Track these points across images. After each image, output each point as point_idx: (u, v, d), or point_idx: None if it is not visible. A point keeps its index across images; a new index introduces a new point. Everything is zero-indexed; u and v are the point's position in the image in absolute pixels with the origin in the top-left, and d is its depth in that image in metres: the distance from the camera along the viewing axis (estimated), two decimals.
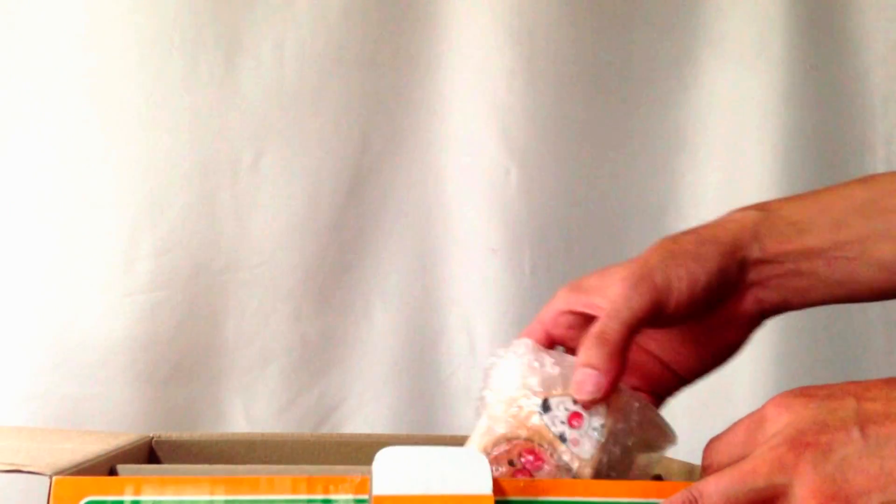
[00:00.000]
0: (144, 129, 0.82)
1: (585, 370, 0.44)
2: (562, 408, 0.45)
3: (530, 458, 0.45)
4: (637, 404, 0.46)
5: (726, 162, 0.93)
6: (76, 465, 0.46)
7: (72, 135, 0.81)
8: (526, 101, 0.89)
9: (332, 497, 0.43)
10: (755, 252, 0.48)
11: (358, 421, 0.86)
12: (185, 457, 0.64)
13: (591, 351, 0.45)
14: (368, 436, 0.67)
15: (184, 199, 0.83)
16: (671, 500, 0.40)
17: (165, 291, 0.82)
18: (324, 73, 0.85)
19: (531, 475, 0.44)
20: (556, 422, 0.45)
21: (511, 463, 0.45)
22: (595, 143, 0.92)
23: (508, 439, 0.46)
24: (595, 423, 0.45)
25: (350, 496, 0.43)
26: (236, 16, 0.84)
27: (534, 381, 0.46)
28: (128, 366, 0.81)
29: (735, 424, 0.42)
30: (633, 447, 0.46)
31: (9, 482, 0.46)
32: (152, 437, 0.63)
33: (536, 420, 0.45)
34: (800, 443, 0.38)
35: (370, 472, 0.43)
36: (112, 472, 0.50)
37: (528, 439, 0.45)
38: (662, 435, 0.47)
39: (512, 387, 0.46)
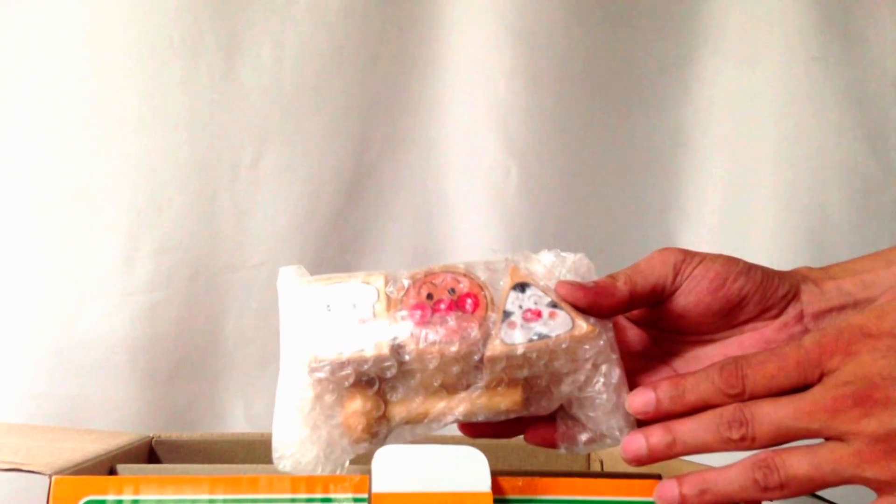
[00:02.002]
0: (144, 129, 0.82)
1: (574, 280, 0.46)
2: (532, 300, 0.45)
3: (470, 301, 0.45)
4: (602, 380, 0.45)
5: (728, 160, 0.93)
6: (76, 465, 0.46)
7: (72, 135, 0.81)
8: (526, 101, 0.88)
9: (332, 496, 0.43)
10: (809, 287, 0.48)
11: None
12: (185, 457, 0.64)
13: (598, 278, 0.46)
14: None
15: (184, 199, 0.83)
16: (721, 413, 0.41)
17: (165, 291, 0.82)
18: (324, 73, 0.85)
19: (449, 312, 0.44)
20: (516, 302, 0.45)
21: (451, 291, 0.45)
22: (595, 142, 0.91)
23: (468, 274, 0.46)
24: (541, 330, 0.44)
25: (349, 495, 0.43)
26: (236, 16, 0.83)
27: (536, 267, 0.47)
28: (128, 366, 0.81)
29: (781, 352, 0.41)
30: (556, 398, 0.45)
31: (8, 481, 0.46)
32: (152, 437, 0.63)
33: (502, 285, 0.45)
34: (868, 398, 0.38)
35: (369, 472, 0.43)
36: (112, 471, 0.51)
37: (482, 285, 0.45)
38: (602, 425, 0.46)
39: (521, 255, 0.47)
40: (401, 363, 0.43)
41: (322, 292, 0.45)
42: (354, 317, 0.44)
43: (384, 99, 0.88)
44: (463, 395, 0.44)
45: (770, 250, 0.88)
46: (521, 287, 0.45)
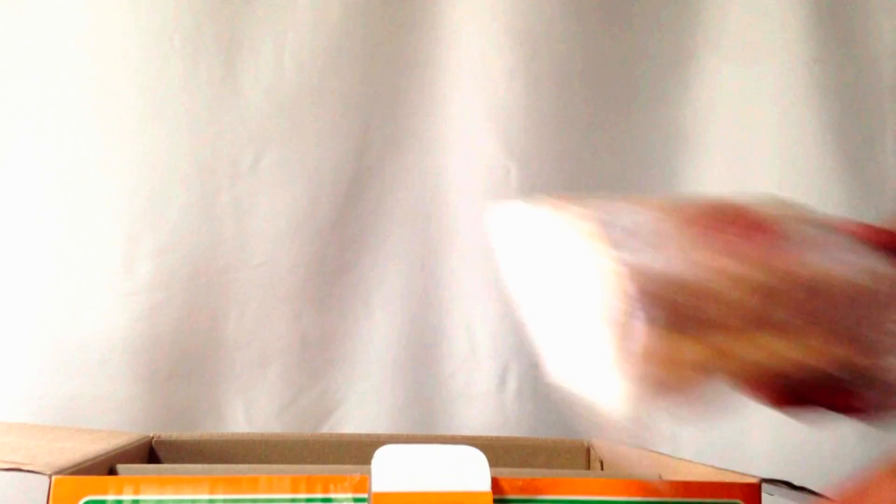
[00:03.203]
0: (144, 130, 0.82)
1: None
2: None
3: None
4: None
5: (728, 160, 0.93)
6: (76, 465, 0.46)
7: (72, 135, 0.81)
8: (526, 101, 0.88)
9: (332, 496, 0.43)
10: None
11: (358, 421, 0.86)
12: (185, 457, 0.64)
13: None
14: (368, 435, 0.67)
15: (183, 200, 0.83)
16: None
17: (165, 292, 0.82)
18: (324, 73, 0.85)
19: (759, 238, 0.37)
20: None
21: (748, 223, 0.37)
22: (595, 142, 0.91)
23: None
24: None
25: (349, 495, 0.43)
26: (236, 16, 0.84)
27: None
28: (128, 366, 0.81)
29: (877, 480, 0.39)
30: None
31: (8, 481, 0.46)
32: (152, 437, 0.63)
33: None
34: None
35: (369, 472, 0.43)
36: (112, 471, 0.51)
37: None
38: None
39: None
40: (719, 297, 0.35)
41: (603, 211, 0.37)
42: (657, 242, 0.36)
43: (384, 99, 0.88)
44: (808, 341, 0.36)
45: None
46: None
